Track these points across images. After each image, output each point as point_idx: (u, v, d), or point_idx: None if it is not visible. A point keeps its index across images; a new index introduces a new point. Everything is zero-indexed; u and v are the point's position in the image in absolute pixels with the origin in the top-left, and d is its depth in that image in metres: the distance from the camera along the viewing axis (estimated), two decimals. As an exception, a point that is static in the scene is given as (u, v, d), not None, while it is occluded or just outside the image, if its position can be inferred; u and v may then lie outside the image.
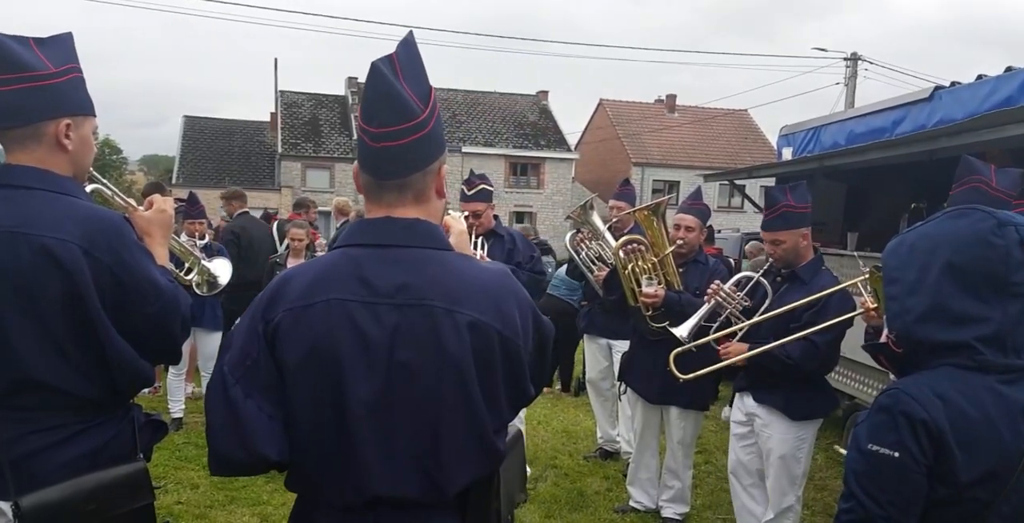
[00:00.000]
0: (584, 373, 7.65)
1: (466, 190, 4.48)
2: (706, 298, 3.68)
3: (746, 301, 3.58)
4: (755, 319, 3.47)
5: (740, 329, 3.50)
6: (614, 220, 5.15)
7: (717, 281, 3.70)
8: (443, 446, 1.43)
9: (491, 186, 4.59)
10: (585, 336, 5.65)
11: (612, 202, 5.31)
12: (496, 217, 4.72)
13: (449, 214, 1.73)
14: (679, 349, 3.59)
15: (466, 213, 4.40)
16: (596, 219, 4.90)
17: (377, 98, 1.44)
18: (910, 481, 1.43)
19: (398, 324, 1.42)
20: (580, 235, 5.13)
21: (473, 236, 4.36)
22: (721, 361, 3.50)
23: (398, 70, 1.45)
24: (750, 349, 3.42)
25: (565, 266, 5.95)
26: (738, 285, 3.65)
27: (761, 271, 3.67)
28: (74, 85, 1.85)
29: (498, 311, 1.46)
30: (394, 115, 1.43)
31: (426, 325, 1.42)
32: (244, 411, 1.41)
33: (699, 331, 3.66)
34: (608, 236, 4.86)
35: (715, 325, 3.61)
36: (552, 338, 1.65)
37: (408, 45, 1.49)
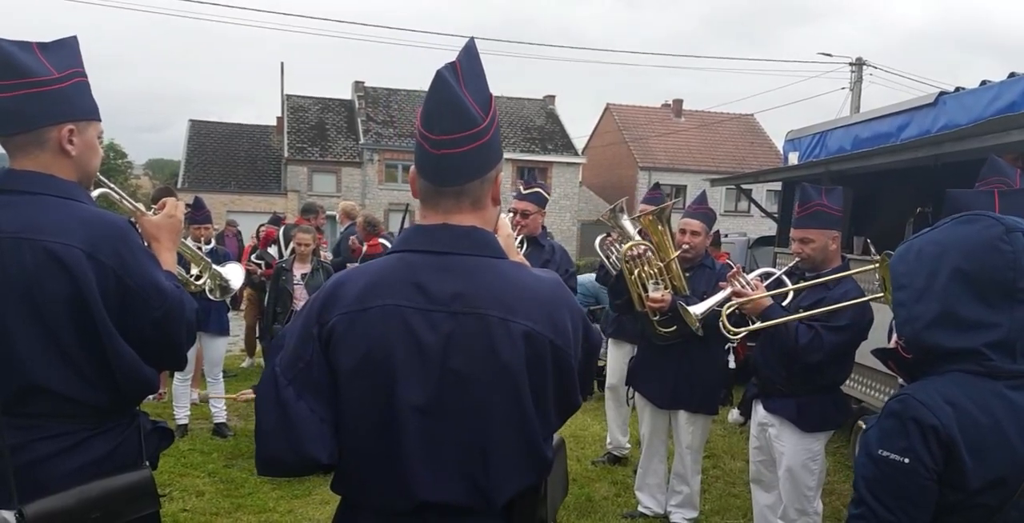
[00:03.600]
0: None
1: (522, 189, 4.54)
2: (722, 284, 3.61)
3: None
4: (771, 292, 3.37)
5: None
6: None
7: (739, 265, 3.65)
8: (492, 455, 1.44)
9: (548, 193, 4.65)
10: (610, 341, 5.66)
11: (641, 206, 5.30)
12: (544, 227, 4.74)
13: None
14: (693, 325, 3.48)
15: (514, 212, 4.45)
16: (626, 222, 4.85)
17: (440, 105, 1.45)
18: (920, 487, 1.42)
19: (452, 332, 1.42)
20: (610, 238, 5.12)
21: (517, 240, 4.39)
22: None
23: (460, 78, 1.45)
24: (766, 316, 3.32)
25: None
26: (761, 279, 3.56)
27: (784, 269, 3.59)
28: (78, 90, 1.84)
29: (551, 321, 1.47)
30: (456, 123, 1.44)
31: (480, 334, 1.42)
32: (296, 412, 1.42)
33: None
34: (637, 236, 4.82)
35: (728, 310, 3.47)
36: (600, 347, 1.66)
37: (470, 52, 1.50)
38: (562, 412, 1.55)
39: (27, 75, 1.74)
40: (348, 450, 1.46)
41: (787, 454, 3.46)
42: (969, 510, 1.44)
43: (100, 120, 1.92)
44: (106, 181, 2.14)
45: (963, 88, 6.02)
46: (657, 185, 5.68)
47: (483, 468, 1.43)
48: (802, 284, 3.38)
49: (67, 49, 1.86)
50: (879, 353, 1.67)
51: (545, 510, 1.55)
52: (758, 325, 3.35)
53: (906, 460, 1.42)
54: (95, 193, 2.04)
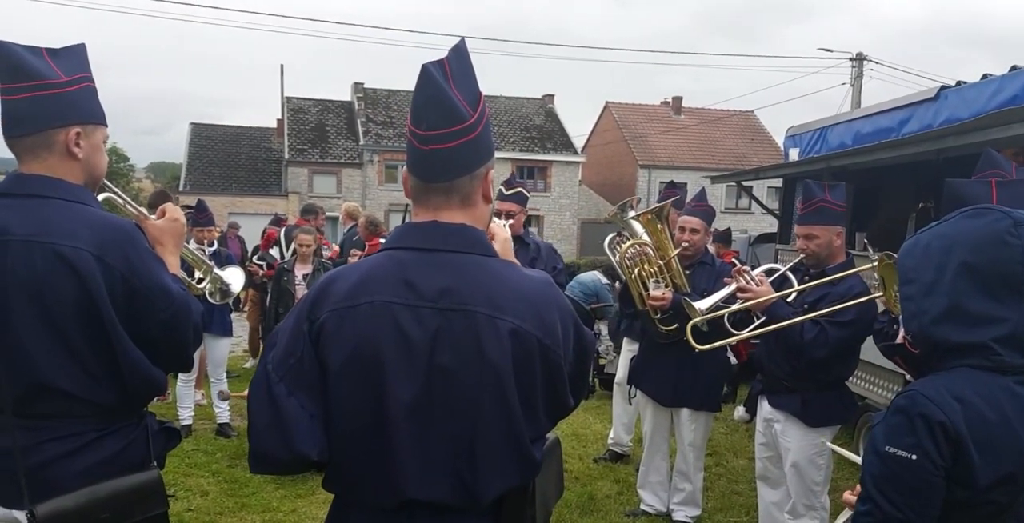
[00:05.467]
0: (595, 375, 7.67)
1: (504, 189, 4.53)
2: (726, 280, 3.60)
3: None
4: (778, 294, 3.35)
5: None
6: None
7: (745, 266, 3.64)
8: (479, 453, 1.43)
9: (528, 192, 4.66)
10: (624, 338, 5.65)
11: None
12: (526, 225, 4.75)
13: (494, 222, 1.73)
14: (696, 320, 3.47)
15: (498, 214, 4.43)
16: (634, 222, 4.81)
17: (427, 101, 1.45)
18: (928, 484, 1.41)
19: (440, 328, 1.42)
20: (618, 237, 5.10)
21: None
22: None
23: (448, 74, 1.46)
24: (771, 312, 3.32)
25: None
26: (765, 276, 3.54)
27: (789, 266, 3.58)
28: (85, 94, 1.86)
29: (540, 320, 1.47)
30: (443, 118, 1.44)
31: (468, 330, 1.42)
32: (287, 409, 1.42)
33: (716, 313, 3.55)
34: (647, 238, 4.80)
35: (732, 307, 3.48)
36: (593, 349, 1.65)
37: (459, 51, 1.50)
38: (553, 414, 1.55)
39: (36, 78, 1.77)
40: (338, 447, 1.46)
41: (793, 449, 3.46)
42: (979, 507, 1.44)
43: (107, 125, 1.94)
44: (110, 185, 2.15)
45: (964, 82, 6.01)
46: (672, 183, 5.64)
47: (470, 466, 1.43)
48: (809, 284, 3.38)
49: (76, 55, 1.88)
50: (887, 349, 1.66)
51: (534, 511, 1.54)
52: (766, 328, 3.34)
53: (913, 456, 1.41)
54: (99, 198, 2.05)
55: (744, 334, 3.41)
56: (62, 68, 1.82)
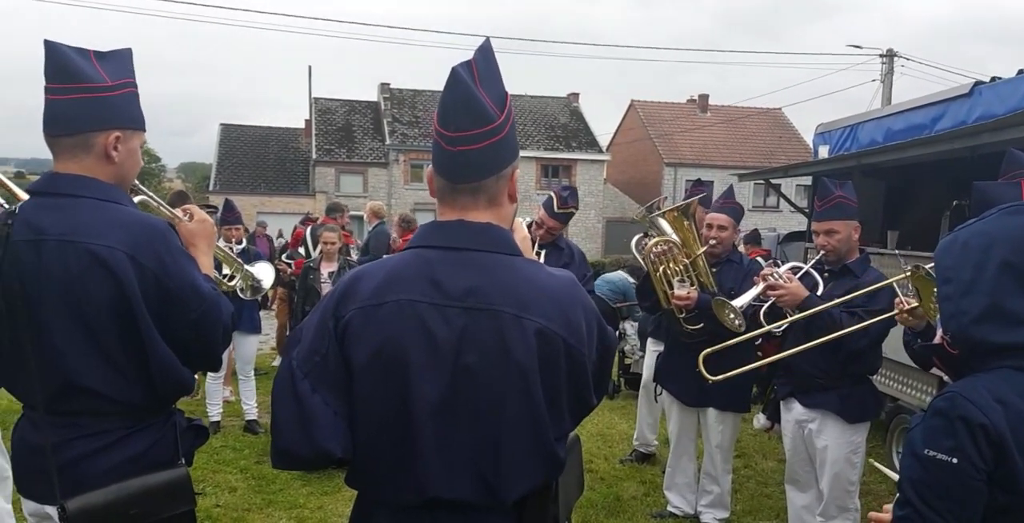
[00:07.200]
0: (620, 375, 7.63)
1: (556, 206, 4.51)
2: (755, 280, 3.57)
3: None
4: (811, 311, 3.31)
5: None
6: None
7: (769, 265, 3.63)
8: (503, 452, 1.43)
9: (577, 208, 4.72)
10: (650, 339, 5.62)
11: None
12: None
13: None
14: (710, 350, 3.45)
15: (535, 222, 4.49)
16: (661, 221, 4.77)
17: (455, 103, 1.46)
18: (969, 488, 1.37)
19: (466, 327, 1.43)
20: (645, 239, 5.06)
21: (536, 246, 4.40)
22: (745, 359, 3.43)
23: (476, 76, 1.46)
24: (806, 307, 3.29)
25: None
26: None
27: (811, 263, 3.57)
28: (128, 99, 1.89)
29: (565, 319, 1.46)
30: (471, 120, 1.45)
31: (494, 330, 1.42)
32: (311, 406, 1.43)
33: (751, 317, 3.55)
34: (675, 237, 4.77)
35: (764, 306, 3.47)
36: (615, 348, 1.66)
37: (485, 52, 1.51)
38: (575, 413, 1.55)
39: (82, 80, 1.79)
40: (362, 444, 1.46)
41: (831, 447, 3.44)
42: (1022, 511, 1.39)
43: (145, 130, 1.96)
44: (144, 189, 2.18)
45: (999, 78, 5.88)
46: (699, 181, 5.58)
47: (494, 465, 1.43)
48: (846, 298, 3.30)
49: (122, 60, 1.90)
50: (924, 350, 1.62)
51: (557, 509, 1.54)
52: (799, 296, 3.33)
53: (954, 460, 1.37)
54: (135, 200, 2.08)
55: (814, 343, 3.29)
56: (108, 72, 1.84)
